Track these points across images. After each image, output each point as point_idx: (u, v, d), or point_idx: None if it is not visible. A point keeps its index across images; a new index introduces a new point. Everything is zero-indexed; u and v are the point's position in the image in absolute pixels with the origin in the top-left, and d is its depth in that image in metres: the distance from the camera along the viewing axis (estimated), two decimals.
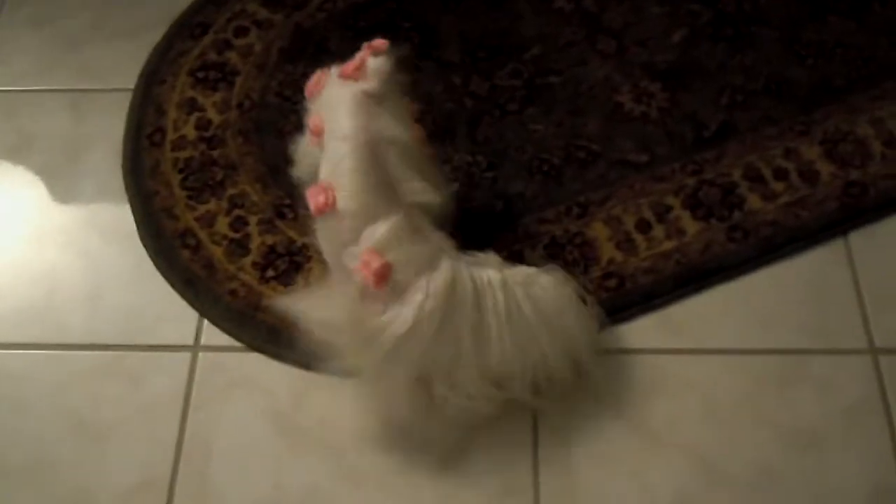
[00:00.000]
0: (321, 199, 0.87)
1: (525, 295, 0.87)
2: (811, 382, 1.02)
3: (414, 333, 0.84)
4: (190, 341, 1.08)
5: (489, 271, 0.87)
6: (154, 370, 1.06)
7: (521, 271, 0.89)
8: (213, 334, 1.08)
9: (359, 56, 0.94)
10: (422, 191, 0.93)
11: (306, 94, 1.00)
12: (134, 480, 0.99)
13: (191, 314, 1.10)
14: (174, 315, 1.10)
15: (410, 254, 0.86)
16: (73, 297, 1.12)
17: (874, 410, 1.00)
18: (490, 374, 0.90)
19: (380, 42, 0.95)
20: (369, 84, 0.92)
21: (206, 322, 1.09)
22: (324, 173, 0.91)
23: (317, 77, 0.99)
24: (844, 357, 1.04)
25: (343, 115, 0.90)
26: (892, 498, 0.95)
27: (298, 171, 1.05)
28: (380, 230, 0.85)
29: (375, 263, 0.83)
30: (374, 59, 0.93)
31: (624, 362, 1.04)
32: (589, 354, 0.95)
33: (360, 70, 0.93)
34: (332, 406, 1.03)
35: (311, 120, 0.97)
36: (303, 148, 1.03)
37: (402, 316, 0.84)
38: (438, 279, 0.84)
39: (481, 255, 0.90)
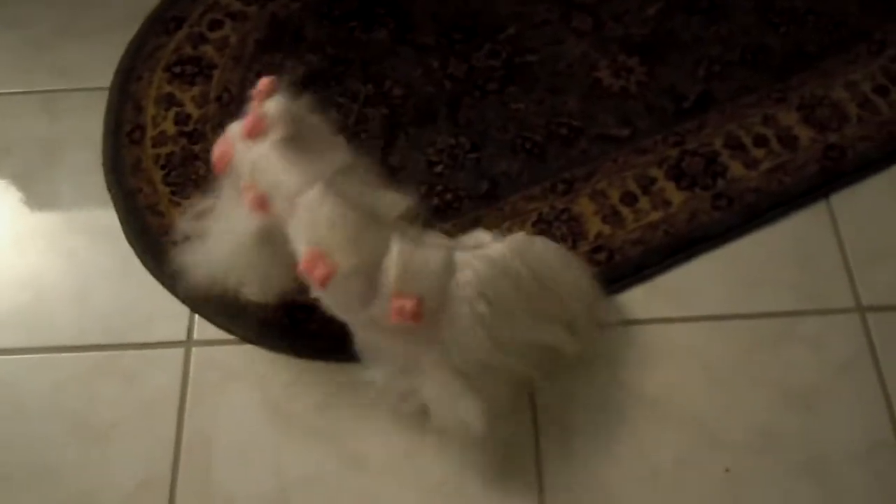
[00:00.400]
0: (321, 270, 0.82)
1: (533, 258, 0.87)
2: (803, 343, 1.04)
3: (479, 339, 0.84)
4: (183, 337, 1.07)
5: (496, 247, 0.86)
6: (149, 368, 1.05)
7: (517, 238, 0.89)
8: (205, 329, 1.08)
9: (253, 111, 0.88)
10: (396, 201, 0.89)
11: (216, 171, 0.92)
12: (136, 479, 0.99)
13: (182, 310, 1.09)
14: (165, 312, 1.09)
15: (428, 272, 0.83)
16: (62, 299, 1.11)
17: (865, 367, 1.02)
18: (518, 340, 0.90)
19: (265, 82, 0.88)
20: (280, 131, 0.86)
21: (197, 317, 1.09)
22: (305, 240, 0.85)
23: (220, 151, 0.91)
24: (833, 316, 1.05)
25: (280, 174, 0.85)
26: (889, 452, 0.97)
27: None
28: (392, 270, 0.82)
29: (409, 305, 0.81)
30: (270, 104, 0.87)
31: (618, 333, 1.05)
32: (596, 305, 0.96)
33: (263, 123, 0.87)
34: (330, 394, 1.03)
35: (248, 194, 0.88)
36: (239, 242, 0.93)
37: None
38: (468, 282, 0.82)
39: (474, 235, 0.90)
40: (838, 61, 1.24)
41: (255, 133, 0.87)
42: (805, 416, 0.99)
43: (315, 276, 0.83)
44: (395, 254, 0.82)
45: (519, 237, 0.88)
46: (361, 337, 0.91)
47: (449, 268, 0.84)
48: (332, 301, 0.88)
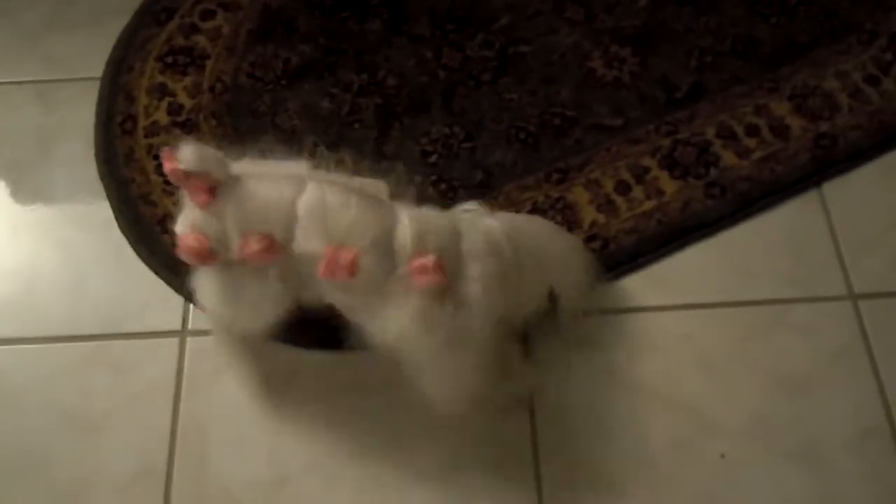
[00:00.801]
0: (345, 257, 0.81)
1: (519, 232, 0.89)
2: (796, 330, 1.04)
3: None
4: (177, 326, 1.07)
5: (487, 220, 0.88)
6: (143, 358, 1.05)
7: (504, 216, 0.90)
8: (200, 318, 1.07)
9: (189, 184, 0.85)
10: (377, 185, 0.89)
11: (193, 261, 0.88)
12: (132, 469, 0.98)
13: (176, 300, 1.09)
14: (159, 301, 1.09)
15: (441, 233, 0.84)
16: (56, 289, 1.10)
17: (858, 354, 1.03)
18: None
19: (170, 157, 0.85)
20: (222, 178, 0.85)
21: (192, 306, 1.08)
22: (319, 241, 0.84)
23: (196, 248, 0.86)
24: (826, 304, 1.06)
25: (265, 204, 0.85)
26: (881, 438, 0.98)
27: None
28: (408, 234, 0.83)
29: (431, 264, 0.82)
30: (195, 165, 0.83)
31: (613, 321, 1.06)
32: (589, 278, 0.97)
33: (208, 183, 0.84)
34: (325, 382, 1.03)
35: (252, 243, 0.84)
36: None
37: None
38: (478, 240, 0.84)
39: (471, 207, 0.91)
40: (829, 51, 1.25)
41: (209, 197, 0.85)
42: (798, 403, 1.00)
43: (341, 266, 0.82)
44: (406, 220, 0.84)
45: (506, 214, 0.91)
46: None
47: (457, 231, 0.85)
48: (360, 286, 0.85)
